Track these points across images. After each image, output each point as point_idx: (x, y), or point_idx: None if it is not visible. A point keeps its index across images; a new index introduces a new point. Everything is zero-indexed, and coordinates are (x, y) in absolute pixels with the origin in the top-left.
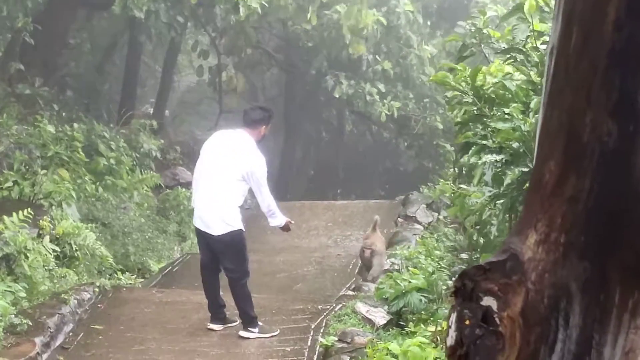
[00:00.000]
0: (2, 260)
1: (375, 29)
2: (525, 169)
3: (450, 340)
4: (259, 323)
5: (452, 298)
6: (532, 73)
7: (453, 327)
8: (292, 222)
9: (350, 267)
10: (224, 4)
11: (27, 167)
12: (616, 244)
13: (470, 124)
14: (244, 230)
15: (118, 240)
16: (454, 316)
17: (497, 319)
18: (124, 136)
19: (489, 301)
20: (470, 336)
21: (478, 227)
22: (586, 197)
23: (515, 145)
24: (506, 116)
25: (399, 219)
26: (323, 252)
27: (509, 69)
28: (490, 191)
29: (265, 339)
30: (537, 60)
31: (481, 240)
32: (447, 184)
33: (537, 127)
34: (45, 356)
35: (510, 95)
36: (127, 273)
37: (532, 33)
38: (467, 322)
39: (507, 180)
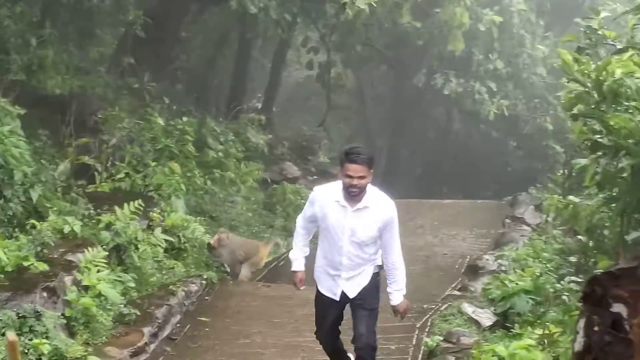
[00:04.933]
0: (113, 251)
1: (488, 28)
2: None
3: (577, 346)
4: None
5: (580, 303)
6: None
7: (581, 332)
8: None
9: (457, 266)
10: (333, 3)
11: (138, 160)
12: None
13: (587, 118)
14: None
15: None
16: (582, 322)
17: (626, 326)
18: (233, 130)
19: (618, 308)
20: (599, 342)
21: (589, 230)
22: None
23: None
24: (630, 110)
25: (506, 219)
26: (429, 251)
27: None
28: (602, 195)
29: None
30: None
31: (590, 244)
32: (555, 195)
33: None
34: (152, 346)
35: (629, 93)
36: None
37: None
38: (596, 328)
39: (624, 174)
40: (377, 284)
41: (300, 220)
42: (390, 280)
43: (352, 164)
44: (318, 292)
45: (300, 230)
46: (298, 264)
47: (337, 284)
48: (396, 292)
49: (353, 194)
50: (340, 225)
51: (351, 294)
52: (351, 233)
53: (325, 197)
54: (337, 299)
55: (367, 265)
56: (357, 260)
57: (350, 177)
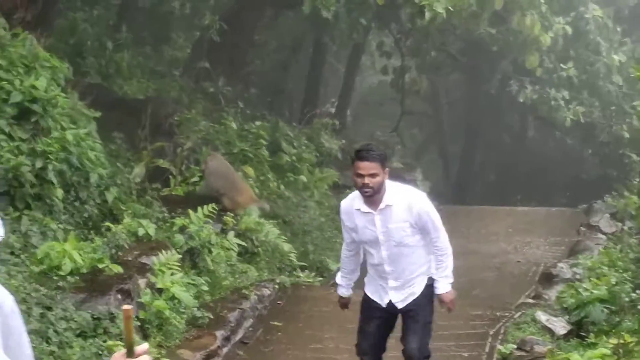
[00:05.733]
0: (187, 254)
1: (559, 35)
2: None
3: None
4: None
5: None
6: None
7: None
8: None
9: (530, 274)
10: (409, 8)
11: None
12: None
13: None
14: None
15: (298, 238)
16: None
17: None
18: (306, 135)
19: None
20: None
21: None
22: None
23: None
24: None
25: (581, 227)
26: (502, 258)
27: None
28: None
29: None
30: None
31: None
32: (632, 197)
33: None
34: (225, 350)
35: None
36: (306, 271)
37: None
38: None
39: None
40: (430, 295)
41: (344, 246)
42: (437, 266)
43: (362, 161)
44: (365, 294)
45: (346, 254)
46: (343, 290)
47: (385, 292)
48: (442, 279)
49: (367, 194)
50: (371, 232)
51: (400, 305)
52: (385, 237)
53: (349, 208)
54: (383, 305)
55: (416, 274)
56: (402, 266)
57: (361, 175)
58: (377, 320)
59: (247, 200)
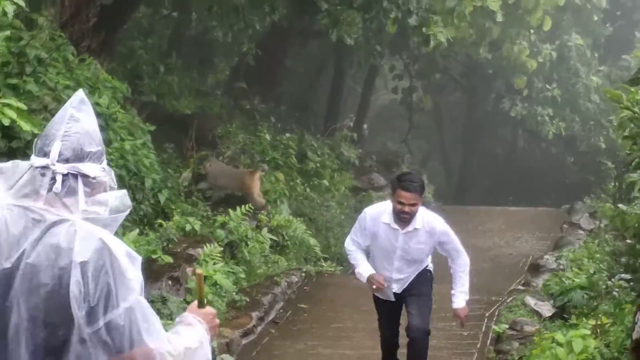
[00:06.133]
0: (227, 247)
1: (546, 60)
2: None
3: (636, 335)
4: None
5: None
6: None
7: (639, 323)
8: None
9: (520, 265)
10: (416, 37)
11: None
12: None
13: (637, 139)
14: None
15: (321, 233)
16: (639, 314)
17: None
18: (328, 145)
19: None
20: None
21: (637, 235)
22: None
23: None
24: None
25: (564, 225)
26: (496, 251)
27: None
28: None
29: None
30: None
31: (638, 247)
32: (608, 203)
33: None
34: (259, 328)
35: None
36: (328, 261)
37: None
38: None
39: None
40: (427, 276)
41: (350, 243)
42: (454, 282)
43: (406, 192)
44: (374, 296)
45: (354, 249)
46: (366, 265)
47: (390, 289)
48: (460, 294)
49: (404, 220)
50: (391, 246)
51: (399, 290)
52: (403, 253)
53: (376, 219)
54: (393, 299)
55: (416, 274)
56: (408, 272)
57: (402, 204)
58: (388, 311)
59: (251, 177)
